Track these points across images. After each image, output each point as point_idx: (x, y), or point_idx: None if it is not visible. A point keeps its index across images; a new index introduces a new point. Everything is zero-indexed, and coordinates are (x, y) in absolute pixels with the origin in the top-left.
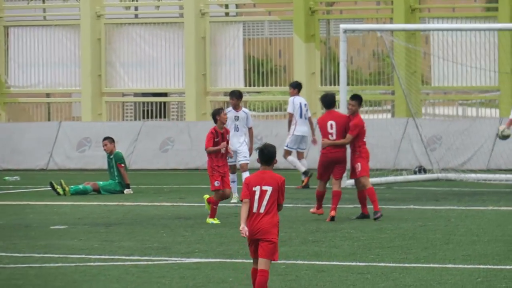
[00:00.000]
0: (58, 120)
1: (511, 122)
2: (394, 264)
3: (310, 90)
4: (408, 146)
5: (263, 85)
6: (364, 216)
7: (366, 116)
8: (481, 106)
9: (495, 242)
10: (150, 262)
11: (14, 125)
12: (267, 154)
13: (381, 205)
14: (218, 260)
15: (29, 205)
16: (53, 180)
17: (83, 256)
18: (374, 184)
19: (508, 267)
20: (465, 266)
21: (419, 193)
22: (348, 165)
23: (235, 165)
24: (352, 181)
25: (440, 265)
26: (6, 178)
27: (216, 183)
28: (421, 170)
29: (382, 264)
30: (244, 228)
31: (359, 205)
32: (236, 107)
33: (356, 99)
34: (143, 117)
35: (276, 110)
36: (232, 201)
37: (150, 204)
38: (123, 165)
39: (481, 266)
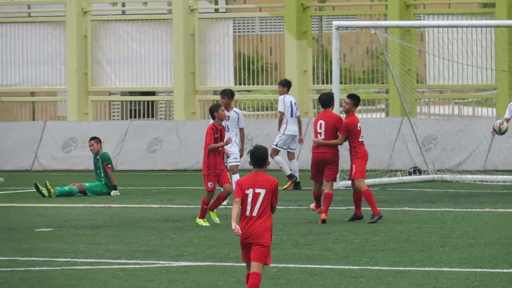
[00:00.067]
0: (43, 119)
1: (507, 121)
2: (388, 268)
3: (302, 88)
4: (403, 146)
5: (253, 84)
6: (356, 217)
7: (359, 115)
8: (478, 105)
9: (492, 245)
10: (137, 266)
11: None
12: (258, 157)
13: None
14: (207, 263)
15: (13, 207)
16: (38, 181)
17: (69, 259)
18: (368, 185)
19: (505, 270)
20: (461, 269)
21: (414, 194)
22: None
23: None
24: (344, 182)
25: (436, 269)
26: None
27: (209, 184)
28: (416, 171)
29: (376, 267)
30: (236, 227)
31: (353, 206)
32: (227, 107)
33: (352, 98)
34: (131, 117)
35: (267, 109)
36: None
37: (137, 206)
38: (110, 166)
39: (478, 270)
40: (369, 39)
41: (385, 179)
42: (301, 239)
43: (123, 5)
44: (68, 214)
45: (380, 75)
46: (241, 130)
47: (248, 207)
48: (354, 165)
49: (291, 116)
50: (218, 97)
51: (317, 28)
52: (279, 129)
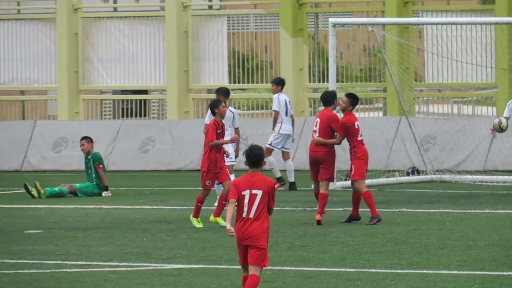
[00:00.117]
0: (33, 119)
1: (506, 120)
2: (385, 270)
3: (298, 87)
4: (401, 146)
5: (248, 82)
6: (352, 218)
7: (356, 114)
8: (477, 104)
9: (492, 247)
10: (129, 268)
11: None
12: (253, 157)
13: None
14: (200, 266)
15: (2, 208)
16: (28, 182)
17: (59, 262)
18: (366, 185)
19: (505, 273)
20: (460, 272)
21: (412, 195)
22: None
23: None
24: (341, 183)
25: (434, 271)
26: None
27: (207, 183)
28: (414, 171)
29: (373, 270)
30: (230, 228)
31: (350, 208)
32: None
33: (349, 97)
34: (123, 116)
35: (262, 108)
36: (215, 204)
37: (129, 207)
38: (101, 166)
39: (477, 272)
40: (367, 36)
41: (382, 180)
42: (296, 241)
43: (115, 1)
44: (58, 216)
45: (377, 73)
46: (237, 129)
47: (245, 209)
48: (353, 166)
49: (286, 115)
50: (212, 96)
51: (313, 25)
52: (273, 128)
